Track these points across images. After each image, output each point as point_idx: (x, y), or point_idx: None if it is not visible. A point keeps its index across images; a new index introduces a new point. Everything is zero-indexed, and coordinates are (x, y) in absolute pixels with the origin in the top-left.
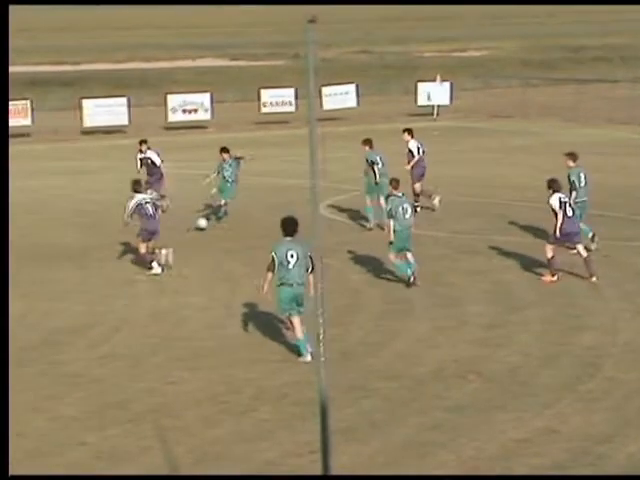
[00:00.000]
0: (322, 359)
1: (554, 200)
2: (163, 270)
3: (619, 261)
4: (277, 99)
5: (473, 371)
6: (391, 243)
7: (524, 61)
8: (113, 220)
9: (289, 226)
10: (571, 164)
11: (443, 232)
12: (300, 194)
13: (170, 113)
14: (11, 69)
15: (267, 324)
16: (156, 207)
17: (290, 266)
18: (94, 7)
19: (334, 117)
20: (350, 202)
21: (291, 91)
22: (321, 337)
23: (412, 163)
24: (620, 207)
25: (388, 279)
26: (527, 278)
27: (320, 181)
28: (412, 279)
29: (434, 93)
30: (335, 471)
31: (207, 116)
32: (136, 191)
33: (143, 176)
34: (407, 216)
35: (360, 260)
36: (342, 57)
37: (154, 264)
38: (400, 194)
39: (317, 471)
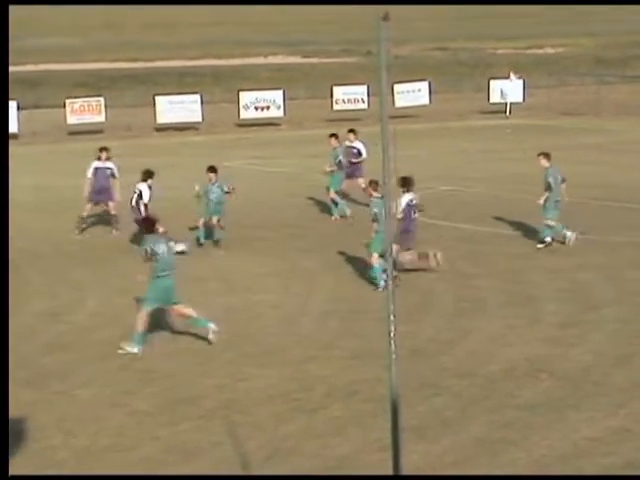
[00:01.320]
0: (393, 356)
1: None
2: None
3: None
4: (349, 96)
5: (545, 370)
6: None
7: (599, 58)
8: (184, 217)
9: None
10: (546, 164)
11: (520, 230)
12: None
13: (243, 110)
14: (83, 66)
15: (340, 321)
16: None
17: None
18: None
19: (406, 115)
20: (422, 200)
21: (363, 88)
22: (392, 334)
23: (360, 159)
24: None
25: (460, 276)
26: (606, 277)
27: (392, 179)
28: (382, 288)
29: (507, 90)
30: (406, 469)
31: (279, 113)
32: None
33: (88, 187)
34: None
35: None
36: (415, 54)
37: None
38: (380, 196)
39: (388, 469)
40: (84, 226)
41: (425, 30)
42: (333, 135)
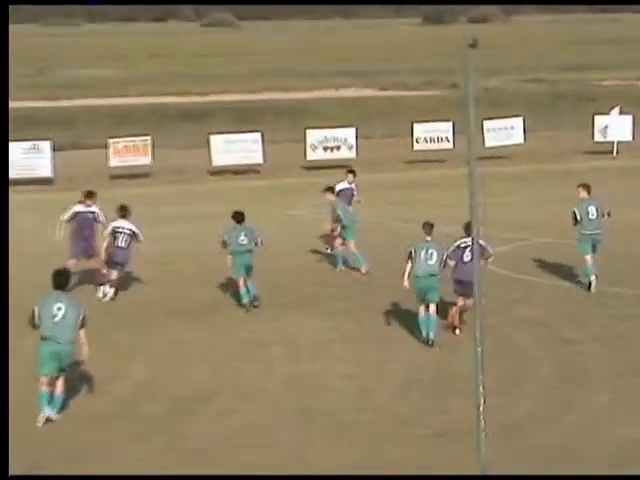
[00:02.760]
0: (483, 434)
1: None
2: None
3: None
4: (432, 134)
5: None
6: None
7: None
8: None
9: None
10: (582, 195)
11: (627, 288)
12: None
13: (310, 150)
14: (129, 100)
15: (421, 393)
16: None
17: None
18: (223, 29)
19: (497, 155)
20: (516, 253)
21: (448, 125)
22: (481, 408)
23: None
24: None
25: (562, 341)
26: None
27: (481, 228)
28: (429, 340)
29: (612, 127)
30: None
31: (352, 154)
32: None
33: (62, 233)
34: (430, 262)
35: (529, 320)
36: (507, 86)
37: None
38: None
39: None
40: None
41: (518, 58)
42: (329, 189)
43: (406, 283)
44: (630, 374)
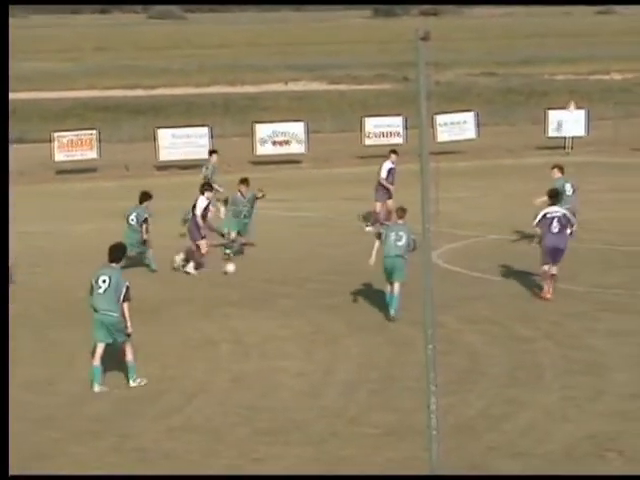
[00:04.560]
0: (434, 433)
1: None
2: None
3: None
4: (383, 129)
5: (613, 449)
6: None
7: None
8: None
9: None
10: (558, 175)
11: (581, 286)
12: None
13: (258, 145)
14: (74, 94)
15: (370, 392)
16: None
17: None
18: (171, 25)
19: (450, 150)
20: (469, 250)
21: (399, 120)
22: (432, 407)
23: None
24: None
25: (515, 339)
26: None
27: (433, 225)
28: (392, 317)
29: (566, 123)
30: None
31: (302, 149)
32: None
33: None
34: (399, 244)
35: (482, 318)
36: (459, 80)
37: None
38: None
39: None
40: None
41: (471, 52)
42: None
43: (371, 261)
44: (581, 372)
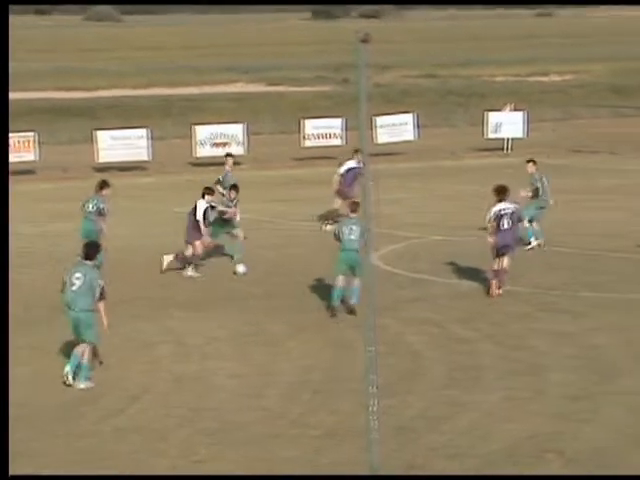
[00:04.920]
0: (374, 435)
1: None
2: None
3: None
4: (322, 131)
5: (553, 450)
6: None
7: (614, 87)
8: (132, 271)
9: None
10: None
11: (522, 287)
12: None
13: (198, 147)
14: (13, 95)
15: (312, 394)
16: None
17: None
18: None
19: (390, 152)
20: (409, 251)
21: (339, 122)
22: (373, 408)
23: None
24: None
25: (455, 341)
26: (620, 341)
27: (373, 227)
28: (332, 312)
29: (505, 124)
30: None
31: (240, 150)
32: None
33: None
34: (352, 237)
35: (422, 319)
36: (399, 82)
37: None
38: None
39: None
40: None
41: (410, 54)
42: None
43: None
44: (520, 373)
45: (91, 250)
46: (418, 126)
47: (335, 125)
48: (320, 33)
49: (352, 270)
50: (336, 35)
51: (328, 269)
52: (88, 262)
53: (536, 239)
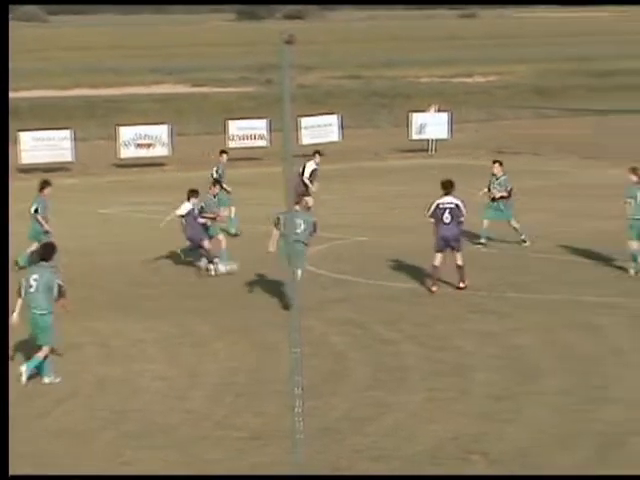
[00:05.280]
0: (299, 436)
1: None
2: None
3: None
4: (247, 132)
5: (477, 451)
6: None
7: (538, 89)
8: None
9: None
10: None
11: (448, 288)
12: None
13: (122, 148)
14: None
15: (236, 396)
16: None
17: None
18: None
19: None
20: (332, 252)
21: (263, 122)
22: (298, 410)
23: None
24: None
25: (379, 342)
26: (544, 342)
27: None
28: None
29: (429, 125)
30: None
31: (165, 151)
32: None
33: None
34: (298, 230)
35: (346, 320)
36: (323, 83)
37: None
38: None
39: None
40: None
41: (334, 55)
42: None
43: (271, 248)
44: (444, 373)
45: (47, 251)
46: (342, 127)
47: (260, 126)
48: (244, 34)
49: (293, 262)
50: (260, 36)
51: (254, 270)
52: (44, 263)
53: (521, 235)
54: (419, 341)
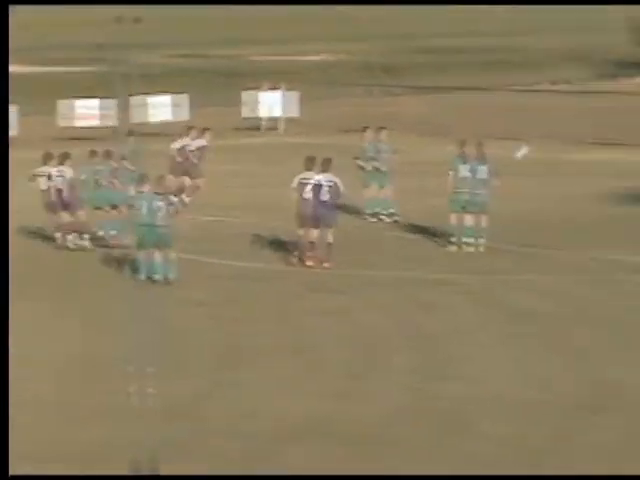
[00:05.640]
0: (145, 417)
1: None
2: None
3: (496, 299)
4: (84, 111)
5: (327, 432)
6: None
7: (385, 66)
8: None
9: None
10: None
11: (291, 266)
12: None
13: None
14: None
15: (80, 376)
16: None
17: None
18: None
19: (148, 132)
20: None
21: (105, 102)
22: (144, 391)
23: None
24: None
25: (224, 320)
26: (392, 319)
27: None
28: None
29: (261, 104)
30: None
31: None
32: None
33: None
34: (153, 212)
35: (191, 300)
36: (163, 62)
37: None
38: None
39: None
40: None
41: (170, 33)
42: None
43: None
44: (293, 352)
45: None
46: (178, 106)
47: (98, 105)
48: (86, 13)
49: (157, 245)
50: (102, 15)
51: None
52: None
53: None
54: (265, 319)
